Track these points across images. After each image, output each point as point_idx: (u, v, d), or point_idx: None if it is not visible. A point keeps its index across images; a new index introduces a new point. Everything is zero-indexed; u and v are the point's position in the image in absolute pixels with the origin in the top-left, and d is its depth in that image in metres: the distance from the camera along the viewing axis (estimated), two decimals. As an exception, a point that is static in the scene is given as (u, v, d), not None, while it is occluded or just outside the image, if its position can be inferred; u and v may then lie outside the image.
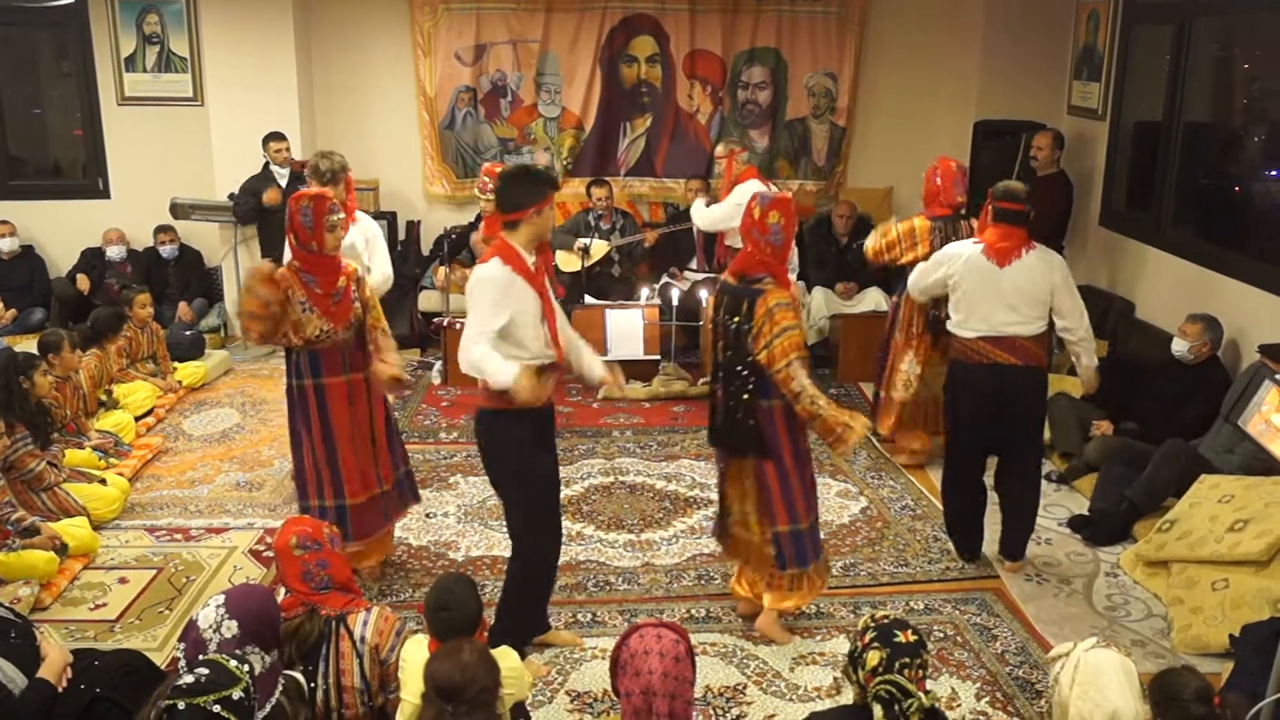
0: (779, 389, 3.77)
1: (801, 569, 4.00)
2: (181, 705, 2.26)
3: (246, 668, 2.39)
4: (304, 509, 4.40)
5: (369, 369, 4.40)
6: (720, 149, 6.42)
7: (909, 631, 2.65)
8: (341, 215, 4.31)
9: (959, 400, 4.60)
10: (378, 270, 5.17)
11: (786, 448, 3.89)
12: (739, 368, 3.82)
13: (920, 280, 4.82)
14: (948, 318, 4.65)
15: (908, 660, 2.60)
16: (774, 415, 3.86)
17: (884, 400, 5.82)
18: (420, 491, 4.93)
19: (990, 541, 4.82)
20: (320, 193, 4.28)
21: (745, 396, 3.82)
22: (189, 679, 2.34)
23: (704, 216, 6.68)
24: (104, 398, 6.26)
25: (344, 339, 4.30)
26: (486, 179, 6.09)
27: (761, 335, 3.72)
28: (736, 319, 3.80)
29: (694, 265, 7.72)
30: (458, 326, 6.32)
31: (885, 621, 2.69)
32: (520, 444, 3.75)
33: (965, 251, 4.50)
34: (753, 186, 6.06)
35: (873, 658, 2.62)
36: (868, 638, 2.66)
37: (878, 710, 2.57)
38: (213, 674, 2.34)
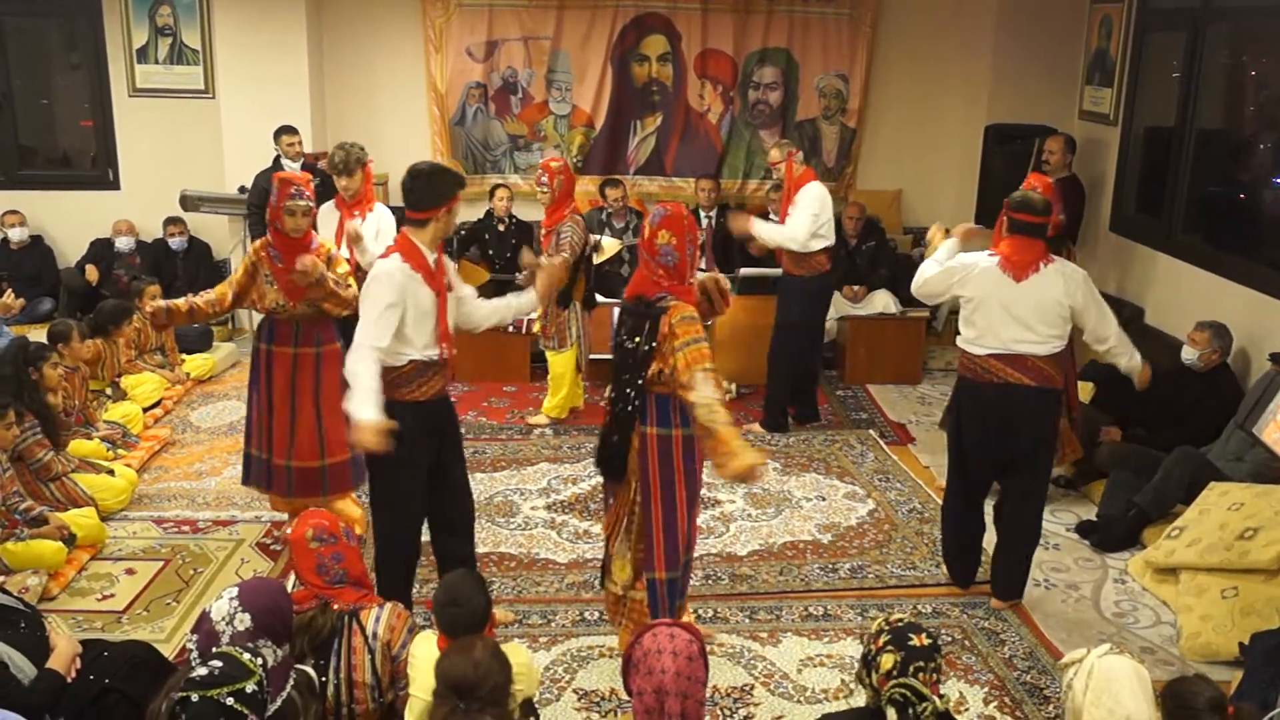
0: (678, 414, 3.57)
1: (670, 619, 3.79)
2: (195, 697, 2.27)
3: (260, 660, 2.39)
4: (245, 455, 4.79)
5: (321, 347, 4.62)
6: (776, 153, 6.20)
7: (923, 635, 2.65)
8: (304, 202, 4.41)
9: (965, 421, 4.31)
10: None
11: (681, 484, 3.62)
12: (629, 390, 3.59)
13: (930, 285, 4.39)
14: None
15: (922, 664, 2.60)
16: (671, 445, 3.61)
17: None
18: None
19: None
20: (289, 177, 4.46)
21: (633, 421, 3.60)
22: (202, 671, 2.34)
23: (782, 235, 6.12)
24: (109, 390, 6.27)
25: (300, 313, 4.52)
26: (542, 173, 6.08)
27: (664, 353, 3.49)
28: (637, 339, 3.56)
29: (703, 265, 7.71)
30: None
31: (900, 625, 2.68)
32: (408, 438, 3.63)
33: (980, 263, 4.19)
34: (815, 189, 6.04)
35: (887, 661, 2.61)
36: (882, 640, 2.66)
37: (892, 713, 2.57)
38: (226, 666, 2.34)
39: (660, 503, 3.61)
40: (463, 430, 6.24)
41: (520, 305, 4.14)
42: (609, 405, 3.73)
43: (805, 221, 5.97)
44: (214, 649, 2.55)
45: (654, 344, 3.51)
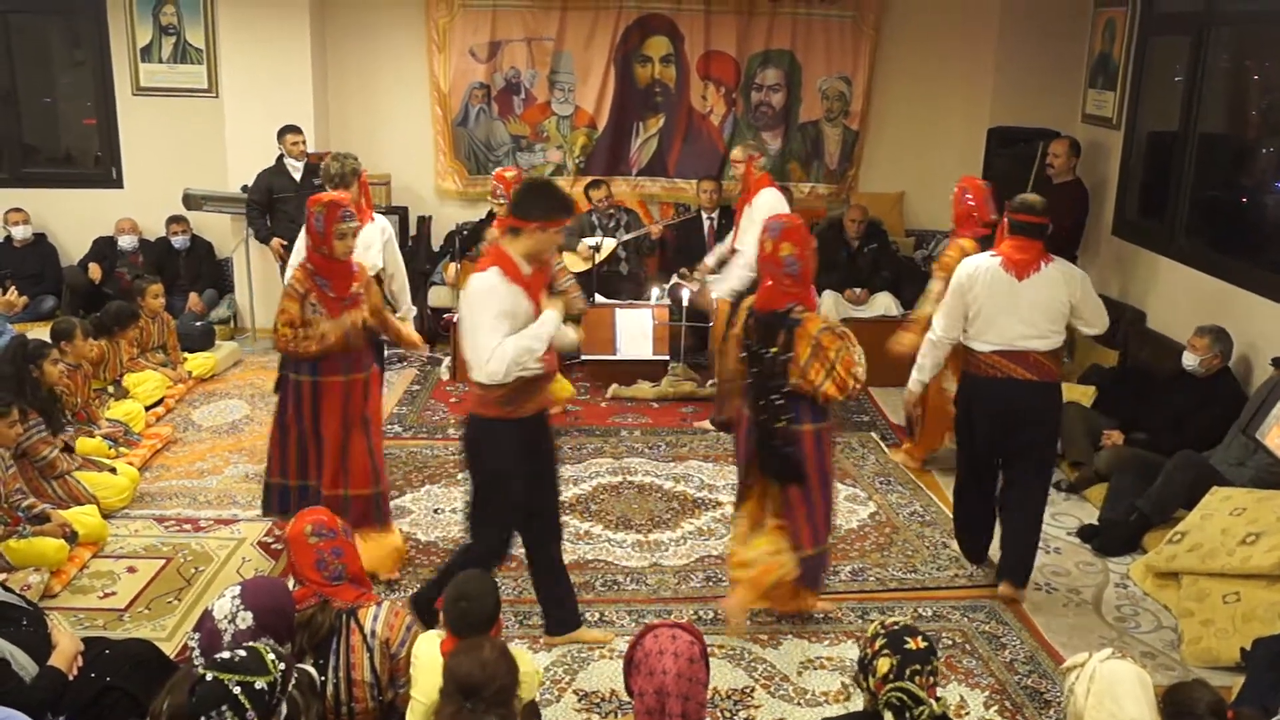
0: (817, 414, 3.92)
1: (814, 590, 4.13)
2: (210, 676, 2.28)
3: (283, 666, 2.38)
4: (269, 486, 4.56)
5: (369, 371, 4.47)
6: (738, 152, 6.26)
7: (919, 638, 2.65)
8: (355, 224, 4.32)
9: (972, 415, 4.49)
10: (399, 275, 5.31)
11: (815, 476, 3.97)
12: (774, 396, 3.87)
13: (948, 319, 4.43)
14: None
15: (918, 667, 2.60)
16: (803, 440, 3.92)
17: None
18: (433, 487, 4.92)
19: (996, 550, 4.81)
20: (335, 199, 4.29)
21: (781, 423, 3.89)
22: (227, 654, 2.35)
23: (742, 270, 6.01)
24: (111, 388, 6.27)
25: (350, 342, 4.33)
26: (497, 184, 6.05)
27: (814, 367, 3.80)
28: (774, 350, 3.84)
29: (709, 263, 7.71)
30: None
31: (895, 628, 2.68)
32: (511, 451, 3.72)
33: (983, 264, 4.35)
34: (770, 196, 6.03)
35: (883, 665, 2.61)
36: (878, 644, 2.66)
37: (889, 717, 2.56)
38: (248, 658, 2.35)
39: (806, 489, 3.98)
40: (462, 432, 6.28)
41: (572, 337, 4.04)
42: (757, 415, 3.96)
43: (751, 236, 5.97)
44: (220, 646, 2.56)
45: (791, 353, 3.80)
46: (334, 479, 4.46)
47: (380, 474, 4.56)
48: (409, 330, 4.88)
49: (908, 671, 2.59)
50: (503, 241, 3.69)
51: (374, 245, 5.17)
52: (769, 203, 5.99)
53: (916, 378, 4.69)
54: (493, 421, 3.69)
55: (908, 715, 2.56)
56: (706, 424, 6.47)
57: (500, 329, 3.54)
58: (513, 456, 3.73)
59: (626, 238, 7.71)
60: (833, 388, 3.81)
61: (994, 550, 4.82)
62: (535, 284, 3.69)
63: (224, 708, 2.24)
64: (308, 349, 4.27)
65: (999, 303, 4.28)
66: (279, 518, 4.69)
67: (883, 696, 2.60)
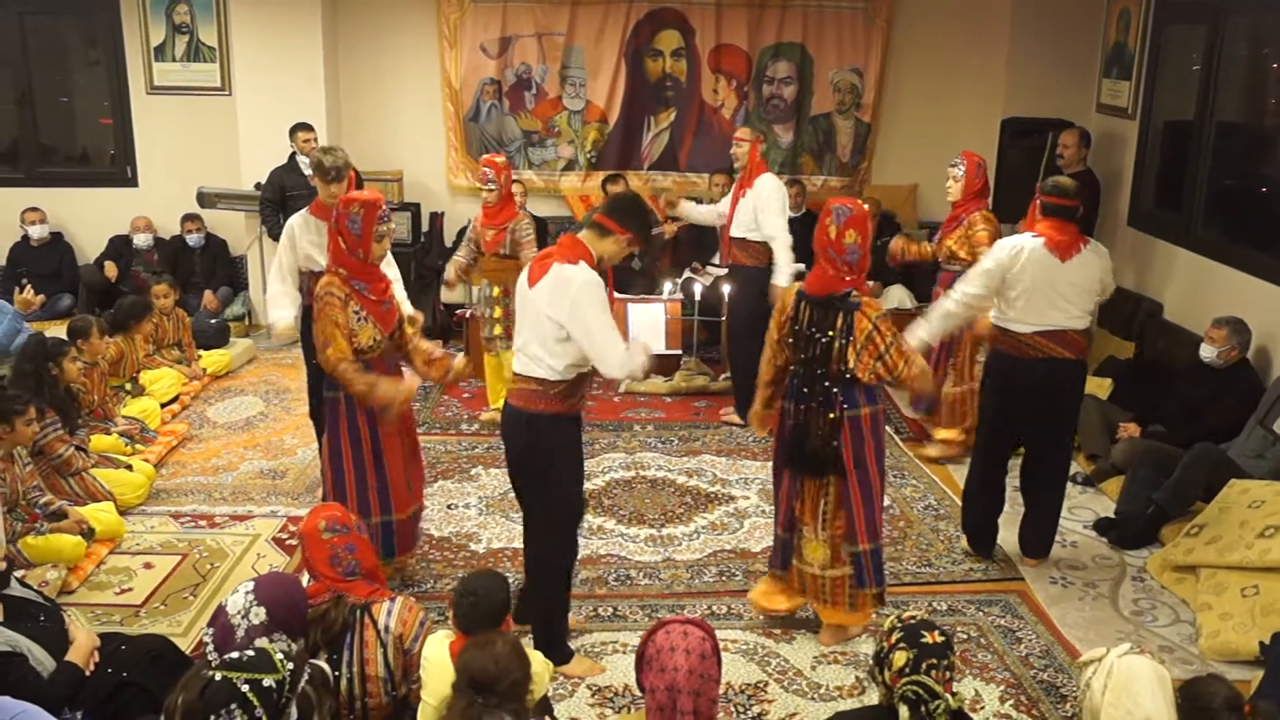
0: (865, 393, 3.80)
1: (880, 588, 4.03)
2: (218, 676, 2.30)
3: (291, 666, 2.39)
4: (379, 525, 4.20)
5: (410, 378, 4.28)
6: (747, 132, 6.17)
7: (936, 632, 2.63)
8: (392, 224, 4.15)
9: (1005, 395, 4.52)
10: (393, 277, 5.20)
11: (873, 460, 3.86)
12: (827, 383, 3.78)
13: (982, 288, 4.43)
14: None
15: (934, 661, 2.58)
16: (861, 424, 3.83)
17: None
18: (446, 482, 4.90)
19: (1007, 541, 4.80)
20: (371, 198, 4.07)
21: (832, 415, 3.79)
22: (236, 654, 2.37)
23: (781, 254, 6.02)
24: (128, 386, 6.30)
25: (389, 346, 4.15)
26: (487, 170, 5.90)
27: (869, 348, 3.70)
28: (831, 333, 3.74)
29: (716, 260, 7.69)
30: (480, 317, 6.31)
31: (912, 622, 2.67)
32: (575, 446, 3.79)
33: (1026, 244, 4.36)
34: (772, 181, 6.06)
35: (899, 658, 2.60)
36: (894, 638, 2.64)
37: (904, 711, 2.55)
38: (256, 656, 2.37)
39: (859, 479, 3.86)
40: (475, 427, 6.33)
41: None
42: (795, 400, 3.86)
43: (781, 221, 5.99)
44: (233, 641, 2.57)
45: (850, 338, 3.71)
46: (403, 500, 4.25)
47: (416, 490, 4.45)
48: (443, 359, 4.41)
49: (924, 665, 2.57)
50: (584, 236, 3.66)
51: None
52: (771, 187, 6.00)
53: (923, 337, 4.50)
54: (555, 419, 3.66)
55: (923, 709, 2.55)
56: (732, 415, 6.44)
57: (610, 318, 3.56)
58: (576, 452, 3.78)
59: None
60: (884, 369, 3.72)
61: (1005, 539, 4.82)
62: (608, 282, 3.69)
63: (233, 706, 2.25)
64: (353, 387, 3.98)
65: (1043, 283, 4.32)
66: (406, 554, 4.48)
67: (898, 690, 2.58)
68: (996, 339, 4.54)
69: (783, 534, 4.09)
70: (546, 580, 3.88)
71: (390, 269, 5.09)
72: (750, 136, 6.13)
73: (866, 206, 3.89)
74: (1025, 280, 4.34)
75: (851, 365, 3.74)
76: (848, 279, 3.76)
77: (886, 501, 5.36)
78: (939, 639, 2.62)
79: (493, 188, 5.89)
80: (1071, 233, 4.38)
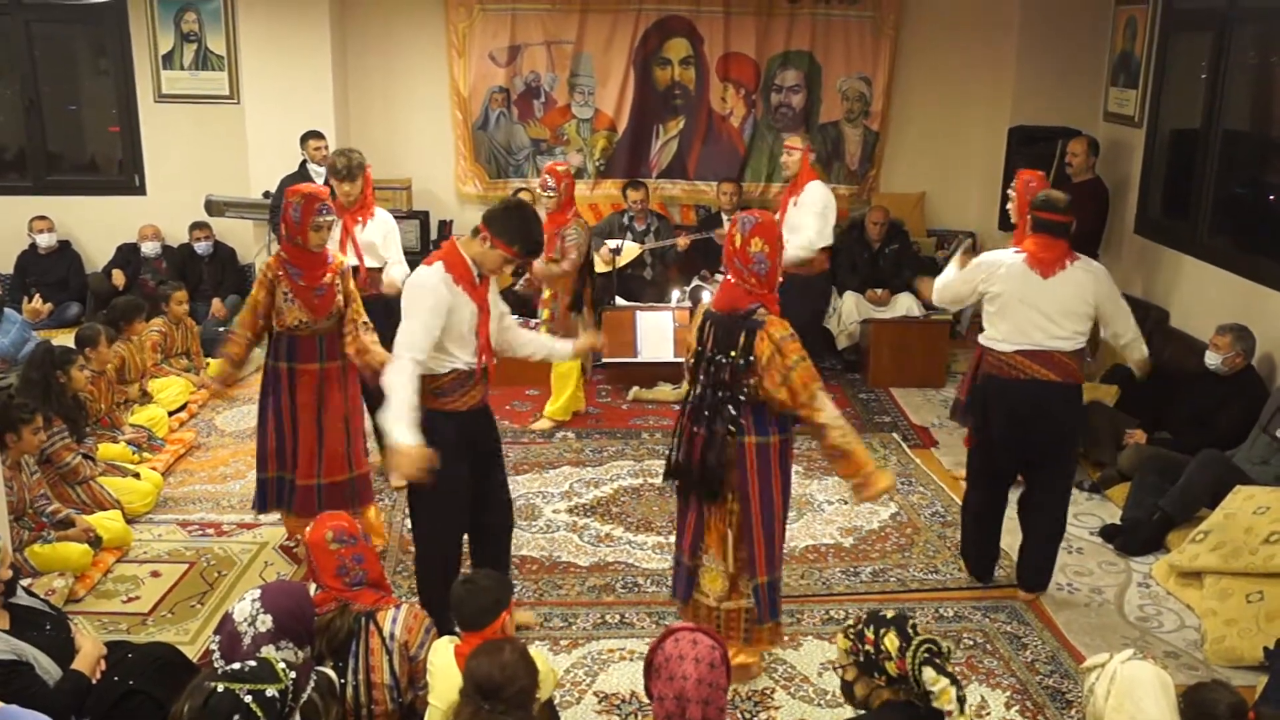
0: (782, 424, 3.56)
1: (775, 621, 3.77)
2: (220, 688, 2.30)
3: (293, 675, 2.40)
4: (261, 481, 4.69)
5: (345, 359, 4.57)
6: (797, 140, 6.20)
7: (889, 611, 2.67)
8: (332, 218, 4.48)
9: (991, 417, 4.36)
10: (399, 266, 5.30)
11: (778, 489, 3.60)
12: (730, 407, 3.51)
13: (955, 287, 4.50)
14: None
15: (914, 623, 2.61)
16: (769, 452, 3.56)
17: None
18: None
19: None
20: (315, 191, 4.45)
21: (731, 435, 3.53)
22: (238, 665, 2.37)
23: (798, 249, 6.00)
24: (137, 395, 6.32)
25: (323, 328, 4.50)
26: (548, 176, 6.05)
27: (771, 371, 3.44)
28: (732, 354, 3.47)
29: (722, 270, 7.70)
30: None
31: (864, 617, 2.67)
32: (440, 446, 3.57)
33: (1006, 260, 4.28)
34: (822, 189, 6.10)
35: (890, 641, 2.57)
36: (870, 634, 2.61)
37: (929, 673, 2.51)
38: (258, 667, 2.37)
39: (761, 509, 3.59)
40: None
41: (555, 350, 4.24)
42: (693, 421, 3.61)
43: (815, 224, 5.99)
44: (239, 649, 2.58)
45: (751, 358, 3.45)
46: (308, 469, 4.58)
47: (357, 458, 4.67)
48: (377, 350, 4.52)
49: (907, 630, 2.58)
50: (461, 240, 3.72)
51: (389, 237, 5.37)
52: (820, 194, 6.02)
53: (936, 285, 4.57)
54: (431, 414, 3.64)
55: (940, 663, 2.54)
56: None
57: (430, 328, 3.57)
58: (448, 452, 3.61)
59: (653, 245, 7.70)
60: (786, 395, 3.44)
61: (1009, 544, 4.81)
62: (483, 283, 3.73)
63: (236, 717, 2.26)
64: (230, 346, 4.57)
65: (1020, 298, 4.20)
66: (261, 512, 4.83)
67: (911, 660, 2.55)
68: (985, 360, 4.40)
69: (687, 562, 3.78)
70: (421, 567, 4.01)
71: (399, 268, 5.25)
72: (801, 145, 6.18)
73: (776, 216, 3.80)
74: (1000, 295, 4.25)
75: (754, 387, 3.47)
76: (755, 293, 3.51)
77: (894, 509, 5.37)
78: (892, 614, 2.64)
79: (552, 194, 5.99)
80: (1059, 249, 4.21)
